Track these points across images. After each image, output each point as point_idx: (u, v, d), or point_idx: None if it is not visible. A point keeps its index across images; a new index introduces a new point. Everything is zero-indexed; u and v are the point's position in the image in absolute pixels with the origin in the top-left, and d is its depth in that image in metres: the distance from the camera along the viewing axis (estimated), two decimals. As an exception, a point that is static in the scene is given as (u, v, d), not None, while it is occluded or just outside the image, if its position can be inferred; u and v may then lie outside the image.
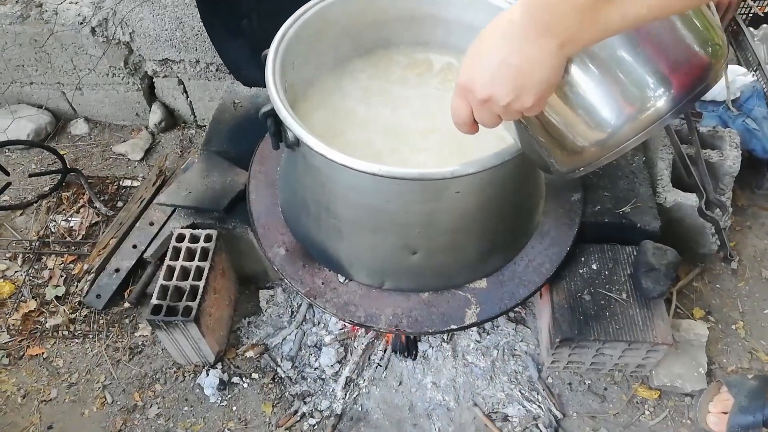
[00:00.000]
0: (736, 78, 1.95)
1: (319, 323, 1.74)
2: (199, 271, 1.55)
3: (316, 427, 1.57)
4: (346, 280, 1.48)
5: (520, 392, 1.61)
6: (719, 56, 0.81)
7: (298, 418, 1.58)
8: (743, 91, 1.96)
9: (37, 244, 1.96)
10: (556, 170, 0.96)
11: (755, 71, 2.03)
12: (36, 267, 1.91)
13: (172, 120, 2.32)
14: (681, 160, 1.73)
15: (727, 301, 1.79)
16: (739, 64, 2.09)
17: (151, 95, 2.27)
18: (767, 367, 1.66)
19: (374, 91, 1.49)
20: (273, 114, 1.22)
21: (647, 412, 1.58)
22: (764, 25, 2.15)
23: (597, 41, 0.74)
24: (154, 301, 1.50)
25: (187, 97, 2.24)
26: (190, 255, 1.59)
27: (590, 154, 0.88)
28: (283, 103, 1.21)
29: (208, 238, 1.61)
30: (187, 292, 1.52)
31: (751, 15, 2.18)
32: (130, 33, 2.02)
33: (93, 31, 2.01)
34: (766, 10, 2.24)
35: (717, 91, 1.95)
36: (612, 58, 0.82)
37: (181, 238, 1.61)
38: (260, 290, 1.81)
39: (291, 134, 1.21)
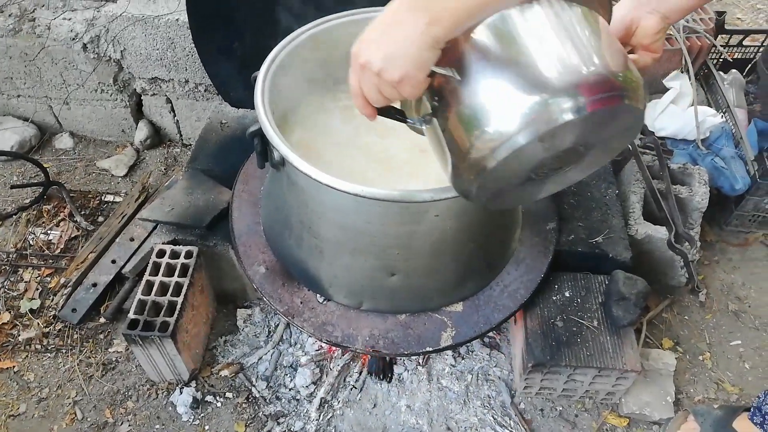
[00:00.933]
0: (706, 118, 2.04)
1: (295, 344, 1.75)
2: (178, 287, 1.56)
3: (288, 447, 1.57)
4: (325, 300, 1.49)
5: (493, 417, 1.62)
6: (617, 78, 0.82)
7: (271, 439, 1.58)
8: (712, 131, 2.05)
9: (14, 256, 1.95)
10: (453, 183, 0.98)
11: (724, 113, 2.13)
12: (12, 279, 1.90)
13: (157, 138, 2.34)
14: (652, 195, 1.80)
15: (695, 332, 1.84)
16: (710, 105, 2.19)
17: (138, 112, 2.30)
18: (733, 397, 1.70)
19: (357, 112, 1.52)
20: (260, 134, 1.26)
21: (616, 440, 1.61)
22: (733, 70, 2.26)
23: (462, 24, 0.80)
24: (131, 315, 1.50)
25: (174, 115, 2.27)
26: (170, 270, 1.60)
27: (480, 163, 0.85)
28: (271, 123, 1.24)
29: (188, 255, 1.62)
30: (165, 308, 1.53)
31: (721, 60, 2.30)
32: (121, 51, 2.05)
33: (84, 47, 2.04)
34: (734, 56, 2.37)
35: (687, 131, 2.04)
36: (507, 57, 0.84)
37: (161, 253, 1.62)
38: (238, 309, 1.82)
39: (277, 154, 1.25)
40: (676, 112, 2.06)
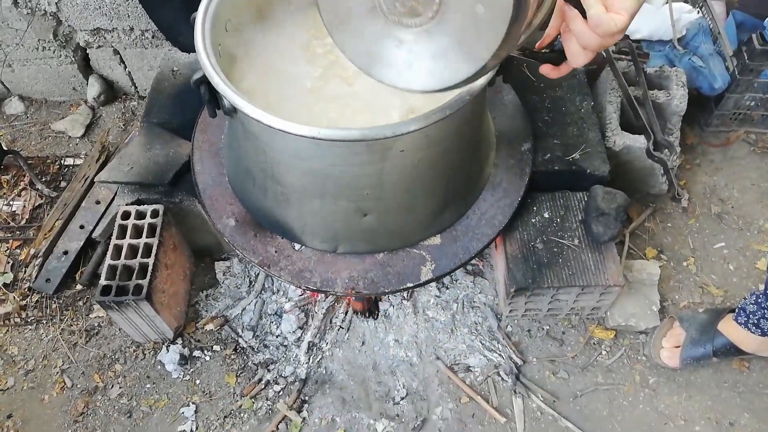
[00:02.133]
0: (681, 16, 1.94)
1: (278, 291, 1.73)
2: (148, 248, 1.51)
3: (281, 393, 1.58)
4: (300, 247, 1.46)
5: (481, 342, 1.63)
6: None
7: (263, 386, 1.58)
8: (689, 29, 1.96)
9: (-21, 231, 1.88)
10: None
11: (701, 8, 2.03)
12: (-20, 255, 1.84)
13: (111, 92, 2.23)
14: (629, 103, 1.73)
15: (679, 238, 1.83)
16: (685, 0, 2.08)
17: (86, 68, 2.17)
18: (718, 300, 1.72)
19: (318, 51, 1.43)
20: (206, 81, 1.17)
21: (604, 352, 1.62)
22: (708, -40, 2.14)
23: None
24: (102, 282, 1.46)
25: (125, 67, 2.14)
26: (138, 232, 1.55)
27: None
28: (215, 68, 1.16)
29: (154, 214, 1.56)
30: (136, 271, 1.49)
31: (695, -50, 2.17)
32: (56, 2, 1.90)
33: (15, 2, 1.89)
34: (710, -56, 2.23)
35: (663, 31, 1.94)
36: None
37: (126, 215, 1.56)
38: (216, 262, 1.78)
39: (226, 101, 1.17)
40: (650, 12, 1.95)
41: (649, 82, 1.81)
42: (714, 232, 1.85)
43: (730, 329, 1.48)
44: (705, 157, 2.02)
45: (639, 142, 1.69)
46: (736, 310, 1.46)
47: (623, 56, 1.89)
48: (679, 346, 1.54)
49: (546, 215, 1.56)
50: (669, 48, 1.95)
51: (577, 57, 0.86)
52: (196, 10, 1.25)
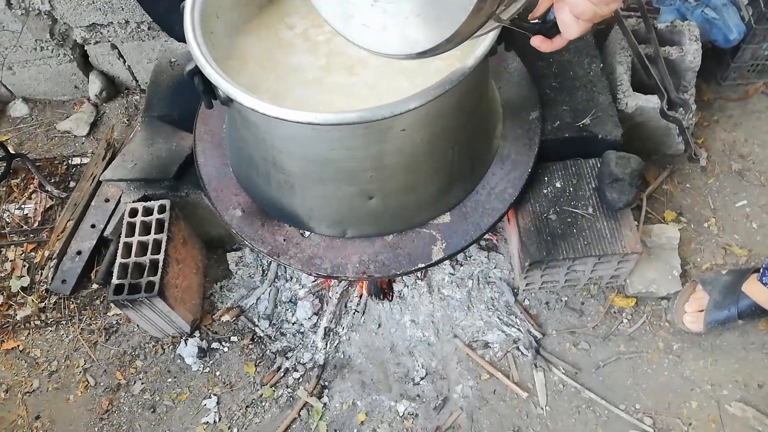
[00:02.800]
0: (692, -35, 1.85)
1: (291, 278, 1.72)
2: (157, 244, 1.51)
3: (300, 380, 1.58)
4: (308, 234, 1.44)
5: (499, 318, 1.61)
6: None
7: (282, 374, 1.59)
8: (700, -21, 1.87)
9: (-6, 236, 1.90)
10: None
11: (712, -45, 1.93)
12: (-3, 260, 1.86)
13: (113, 88, 2.21)
14: (640, 61, 1.66)
15: (698, 199, 1.78)
16: (695, -51, 1.98)
17: (86, 65, 2.15)
18: (742, 260, 1.67)
19: (319, 39, 1.38)
20: (199, 71, 1.15)
21: (625, 321, 1.59)
22: None
23: None
24: (114, 281, 1.46)
25: (124, 61, 2.12)
26: (146, 228, 1.54)
27: None
28: (206, 57, 1.14)
29: (161, 209, 1.56)
30: (147, 267, 1.49)
31: None
32: (49, 1, 1.88)
33: (9, 4, 1.87)
34: None
35: (673, -17, 1.86)
36: None
37: (134, 212, 1.56)
38: (228, 253, 1.78)
39: (221, 91, 1.14)
40: (658, -36, 1.87)
41: (661, 39, 1.73)
42: (735, 190, 1.78)
43: (755, 290, 1.43)
44: (723, 113, 1.94)
45: (652, 102, 1.63)
46: (761, 270, 1.41)
47: (632, 13, 1.82)
48: (702, 310, 1.50)
49: (558, 185, 1.52)
50: (680, 1, 1.87)
51: (571, 27, 0.81)
52: (186, -2, 1.22)
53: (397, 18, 0.82)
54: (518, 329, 1.59)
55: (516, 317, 1.61)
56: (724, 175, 1.82)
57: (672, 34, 1.76)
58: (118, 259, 1.49)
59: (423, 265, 1.40)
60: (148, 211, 1.55)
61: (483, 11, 0.74)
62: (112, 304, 1.75)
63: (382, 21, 0.84)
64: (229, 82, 1.10)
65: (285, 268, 1.74)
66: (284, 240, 1.44)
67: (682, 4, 1.85)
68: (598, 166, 1.52)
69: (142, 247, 1.52)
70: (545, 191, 1.52)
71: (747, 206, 1.75)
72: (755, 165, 1.82)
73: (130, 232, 1.53)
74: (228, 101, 1.19)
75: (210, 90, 1.20)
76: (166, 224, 1.53)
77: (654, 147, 1.80)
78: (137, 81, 2.21)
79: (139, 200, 1.59)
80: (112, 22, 1.97)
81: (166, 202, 1.56)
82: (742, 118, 1.92)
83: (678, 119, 1.59)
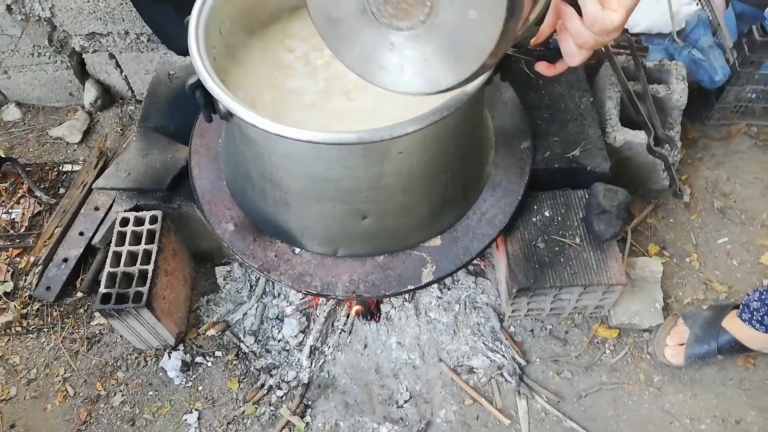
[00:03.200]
0: (680, 8, 1.92)
1: (279, 295, 1.72)
2: (147, 255, 1.51)
3: (284, 398, 1.57)
4: (300, 251, 1.45)
5: (484, 343, 1.62)
6: None
7: (266, 392, 1.58)
8: (688, 21, 1.93)
9: (-22, 240, 1.88)
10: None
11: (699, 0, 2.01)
12: (-20, 264, 1.84)
13: (108, 97, 2.22)
14: (628, 98, 1.72)
15: (681, 234, 1.82)
16: (684, -7, 2.06)
17: (83, 73, 2.16)
18: (722, 296, 1.70)
19: (318, 63, 1.41)
20: (200, 85, 1.16)
21: (608, 351, 1.61)
22: (707, -49, 2.11)
23: None
24: (102, 290, 1.45)
25: (121, 71, 2.13)
26: (137, 238, 1.54)
27: None
28: (209, 72, 1.15)
29: (153, 220, 1.55)
30: (136, 278, 1.48)
31: (694, -59, 2.14)
32: (50, 8, 1.89)
33: (9, 8, 1.87)
34: (709, -65, 2.20)
35: (662, 24, 1.92)
36: None
37: (125, 222, 1.55)
38: (216, 267, 1.77)
39: (222, 105, 1.16)
40: (649, 5, 1.93)
41: (649, 76, 1.79)
42: (717, 227, 1.83)
43: (735, 326, 1.47)
44: (707, 151, 2.00)
45: (639, 137, 1.68)
46: (740, 307, 1.45)
47: (622, 50, 1.87)
48: (683, 344, 1.53)
49: (547, 214, 1.55)
50: (668, 41, 1.93)
51: (573, 56, 0.85)
52: (189, 13, 1.24)
53: (416, 60, 0.85)
54: (503, 355, 1.60)
55: (501, 343, 1.62)
56: (706, 212, 1.87)
57: (660, 73, 1.82)
58: (107, 268, 1.48)
59: (412, 287, 1.41)
60: (139, 221, 1.55)
61: (500, 52, 0.77)
62: (95, 314, 1.73)
63: (401, 63, 0.87)
64: (230, 97, 1.11)
65: (273, 284, 1.74)
66: (275, 256, 1.44)
67: (671, 44, 1.92)
68: (586, 197, 1.56)
69: (132, 257, 1.52)
70: (534, 219, 1.54)
71: (728, 243, 1.79)
72: (737, 203, 1.87)
73: (121, 241, 1.53)
74: (228, 116, 1.20)
75: (210, 104, 1.21)
76: (157, 235, 1.53)
77: (640, 181, 1.84)
78: (133, 91, 2.21)
79: (130, 210, 1.59)
80: (111, 32, 1.98)
81: (158, 213, 1.56)
82: (725, 157, 1.98)
83: (664, 155, 1.64)
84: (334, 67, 1.39)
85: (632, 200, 1.55)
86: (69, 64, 2.08)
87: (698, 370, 1.58)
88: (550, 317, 1.65)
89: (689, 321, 1.54)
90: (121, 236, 1.54)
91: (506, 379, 1.57)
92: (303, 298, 1.70)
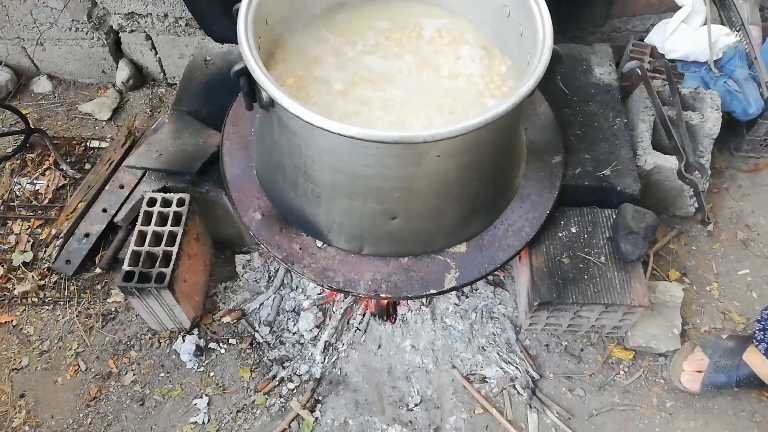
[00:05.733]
0: (719, 38, 1.92)
1: (297, 288, 1.72)
2: (172, 237, 1.51)
3: (295, 391, 1.57)
4: (324, 246, 1.45)
5: (498, 354, 1.62)
6: None
7: (277, 383, 1.58)
8: (725, 52, 1.93)
9: (1, 208, 1.88)
10: None
11: (738, 31, 2.00)
12: (1, 232, 1.84)
13: (140, 78, 2.23)
14: (662, 122, 1.72)
15: (703, 262, 1.81)
16: (723, 23, 2.06)
17: (117, 51, 2.17)
18: (740, 327, 1.69)
19: (348, 54, 1.42)
20: (246, 73, 1.17)
21: (622, 372, 1.61)
22: (748, -16, 2.12)
23: None
24: (125, 267, 1.45)
25: (156, 53, 2.14)
26: (163, 220, 1.54)
27: None
28: (257, 61, 1.15)
29: (180, 202, 1.56)
30: (159, 258, 1.48)
31: (735, -27, 2.14)
32: (92, -16, 1.91)
33: (52, -19, 1.89)
34: (750, -32, 2.21)
35: (699, 52, 1.92)
36: None
37: (152, 202, 1.56)
38: (236, 255, 1.78)
39: (265, 95, 1.16)
40: (687, 33, 1.93)
41: (683, 103, 1.79)
42: (739, 259, 1.83)
43: (757, 361, 1.45)
44: (733, 182, 2.00)
45: (670, 162, 1.68)
46: (754, 334, 1.44)
47: (658, 75, 1.87)
48: (700, 371, 1.52)
49: (573, 230, 1.55)
50: (704, 70, 1.93)
51: None
52: (234, 0, 1.24)
53: None
54: (516, 368, 1.60)
55: (515, 355, 1.61)
56: (729, 242, 1.86)
57: (694, 101, 1.82)
58: (131, 247, 1.49)
59: (435, 291, 1.41)
60: (166, 203, 1.56)
61: None
62: (112, 291, 1.73)
63: None
64: (276, 87, 1.12)
65: (291, 276, 1.74)
66: (300, 249, 1.45)
67: (707, 73, 1.92)
68: (614, 216, 1.55)
69: (156, 238, 1.52)
70: (561, 234, 1.54)
71: (749, 275, 1.79)
72: (760, 236, 1.86)
73: (147, 221, 1.53)
74: (269, 105, 1.21)
75: (252, 92, 1.22)
76: (184, 218, 1.53)
77: (665, 206, 1.84)
78: (165, 74, 2.22)
79: (158, 190, 1.59)
80: (151, 14, 1.99)
81: (186, 196, 1.56)
82: (750, 189, 1.97)
83: (694, 182, 1.64)
84: (364, 60, 1.40)
85: (659, 224, 1.54)
86: (105, 42, 2.09)
87: (711, 398, 1.57)
88: (567, 334, 1.65)
89: (708, 350, 1.53)
90: (148, 216, 1.54)
91: (518, 392, 1.56)
92: (321, 292, 1.70)
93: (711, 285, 1.77)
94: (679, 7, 1.96)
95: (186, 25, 2.01)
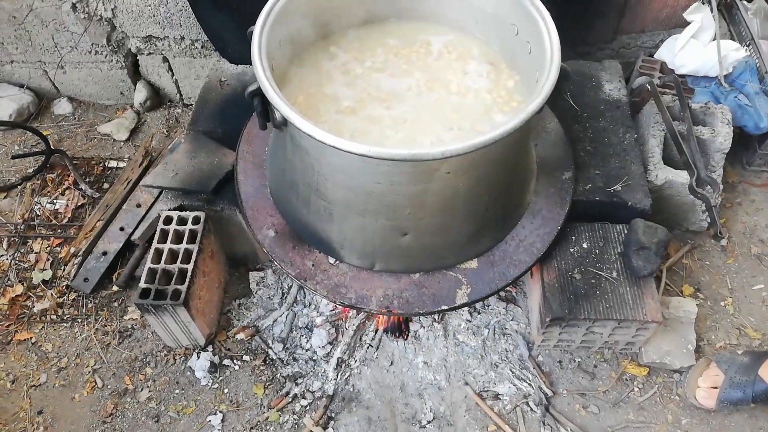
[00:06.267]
0: (728, 53, 1.92)
1: (310, 304, 1.74)
2: (188, 254, 1.54)
3: (308, 407, 1.57)
4: (337, 262, 1.46)
5: (511, 371, 1.61)
6: None
7: (290, 400, 1.58)
8: (736, 67, 1.94)
9: (22, 227, 1.93)
10: None
11: (748, 46, 2.01)
12: (22, 250, 1.88)
13: (157, 99, 2.28)
14: (673, 137, 1.72)
15: (717, 277, 1.80)
16: (733, 38, 2.06)
17: (135, 73, 2.22)
18: (755, 343, 1.68)
19: (357, 72, 1.45)
20: (259, 93, 1.20)
21: (636, 389, 1.59)
22: (757, -1, 2.12)
23: None
24: (142, 284, 1.48)
25: (173, 75, 2.20)
26: (178, 237, 1.57)
27: None
28: (270, 82, 1.18)
29: (196, 220, 1.59)
30: (175, 275, 1.51)
31: (744, -12, 2.16)
32: (112, 9, 1.96)
33: (74, 7, 1.95)
34: (759, -16, 2.22)
35: (710, 67, 1.93)
36: None
37: (168, 220, 1.59)
38: (250, 272, 1.80)
39: (278, 114, 1.19)
40: (697, 48, 1.94)
41: (694, 118, 1.80)
42: (753, 273, 1.81)
43: (771, 375, 1.44)
44: (746, 197, 1.99)
45: (681, 177, 1.68)
46: None
47: (668, 90, 1.88)
48: (716, 387, 1.51)
49: (585, 246, 1.55)
50: (715, 85, 1.94)
51: None
52: (248, 23, 1.28)
53: None
54: (529, 384, 1.59)
55: (528, 372, 1.61)
56: (743, 257, 1.85)
57: (705, 115, 1.82)
58: (148, 264, 1.51)
59: (446, 308, 1.42)
60: (182, 221, 1.58)
61: None
62: (129, 308, 1.76)
63: None
64: (290, 107, 1.14)
65: (304, 293, 1.76)
66: (313, 265, 1.46)
67: (717, 88, 1.92)
68: (625, 232, 1.55)
69: (172, 255, 1.55)
70: (572, 250, 1.55)
71: (764, 290, 1.77)
72: (775, 251, 1.85)
73: (163, 238, 1.56)
74: (282, 124, 1.24)
75: (266, 112, 1.25)
76: (199, 235, 1.56)
77: (677, 221, 1.84)
78: (181, 95, 2.27)
79: (174, 209, 1.62)
80: (168, 37, 2.05)
81: (201, 214, 1.59)
82: (764, 204, 1.96)
83: (706, 197, 1.63)
84: (373, 78, 1.43)
85: (671, 239, 1.54)
86: (123, 64, 2.15)
87: (728, 415, 1.55)
88: (580, 350, 1.64)
89: (723, 366, 1.52)
90: (164, 234, 1.57)
91: (531, 409, 1.56)
92: (333, 309, 1.72)
93: (725, 300, 1.75)
94: (688, 23, 1.98)
95: (202, 47, 2.06)
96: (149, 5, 1.92)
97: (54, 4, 1.93)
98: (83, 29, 2.00)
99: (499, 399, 1.58)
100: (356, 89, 1.42)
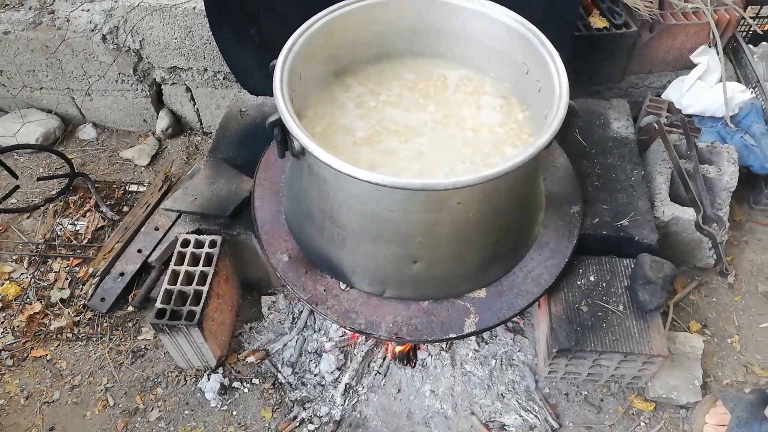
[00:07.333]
0: (735, 94, 1.98)
1: (319, 330, 1.76)
2: (203, 276, 1.58)
3: (315, 432, 1.59)
4: (348, 288, 1.50)
5: (518, 402, 1.62)
6: None
7: (297, 424, 1.60)
8: (742, 108, 1.99)
9: (43, 246, 1.99)
10: None
11: (754, 88, 2.06)
12: (42, 269, 1.94)
13: (178, 127, 2.36)
14: (679, 175, 1.76)
15: (723, 314, 1.81)
16: (739, 80, 2.12)
17: (158, 102, 2.31)
18: (762, 381, 1.68)
19: (371, 105, 1.51)
20: (280, 123, 1.25)
21: (642, 424, 1.60)
22: (764, 43, 2.19)
23: None
24: (158, 305, 1.52)
25: (195, 104, 2.28)
26: (195, 260, 1.62)
27: None
28: (291, 113, 1.24)
29: (212, 244, 1.63)
30: (190, 297, 1.55)
31: (750, 33, 2.22)
32: (140, 41, 2.06)
33: (104, 38, 2.05)
34: (765, 28, 2.28)
35: (716, 107, 1.98)
36: None
37: (186, 243, 1.64)
38: (262, 296, 1.83)
39: (297, 144, 1.24)
40: (703, 89, 2.00)
41: (700, 157, 1.84)
42: (760, 311, 1.82)
43: (779, 413, 1.44)
44: (753, 235, 2.01)
45: (688, 214, 1.71)
46: None
47: (675, 129, 1.93)
48: (723, 425, 1.50)
49: (592, 278, 1.58)
50: (721, 125, 1.98)
51: None
52: (270, 56, 1.34)
53: None
54: (536, 416, 1.60)
55: (535, 404, 1.62)
56: (750, 295, 1.86)
57: (711, 154, 1.86)
58: (164, 285, 1.56)
59: (454, 336, 1.44)
60: (199, 244, 1.63)
61: None
62: (143, 329, 1.80)
63: None
64: (309, 138, 1.20)
65: (314, 318, 1.79)
66: (324, 290, 1.50)
67: (723, 128, 1.97)
68: (632, 266, 1.58)
69: (188, 277, 1.59)
70: (579, 282, 1.57)
71: (771, 329, 1.78)
72: (782, 290, 1.86)
73: (180, 261, 1.61)
74: (300, 153, 1.29)
75: (285, 141, 1.30)
76: (215, 259, 1.60)
77: (683, 258, 1.86)
78: (202, 124, 2.35)
79: (192, 232, 1.67)
80: (192, 68, 2.13)
81: (218, 238, 1.64)
82: (771, 243, 1.99)
83: (712, 234, 1.66)
84: (387, 111, 1.49)
85: (678, 275, 1.56)
86: (148, 93, 2.23)
87: (735, 454, 1.54)
88: (586, 383, 1.65)
89: (730, 403, 1.52)
90: (181, 256, 1.62)
91: (537, 440, 1.56)
92: (343, 335, 1.74)
93: (732, 337, 1.76)
94: (695, 65, 2.04)
95: (224, 78, 2.15)
96: (175, 38, 2.01)
97: (86, 35, 2.03)
98: (112, 59, 2.09)
99: (505, 430, 1.59)
100: (369, 121, 1.47)
